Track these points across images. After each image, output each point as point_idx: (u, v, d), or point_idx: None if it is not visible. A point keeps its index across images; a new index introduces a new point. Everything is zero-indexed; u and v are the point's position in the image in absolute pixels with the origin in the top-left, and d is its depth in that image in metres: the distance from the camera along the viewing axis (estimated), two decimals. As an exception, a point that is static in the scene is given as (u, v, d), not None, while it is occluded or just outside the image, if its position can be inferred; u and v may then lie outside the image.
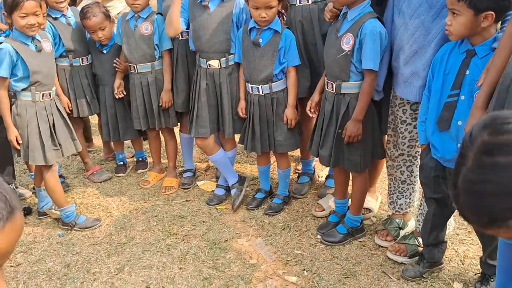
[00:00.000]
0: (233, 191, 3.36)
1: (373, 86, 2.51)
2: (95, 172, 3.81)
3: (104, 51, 3.53)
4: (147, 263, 2.76)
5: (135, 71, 3.37)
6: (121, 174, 3.88)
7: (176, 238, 3.00)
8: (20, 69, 2.83)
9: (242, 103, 3.08)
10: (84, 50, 3.52)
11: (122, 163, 3.97)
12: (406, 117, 2.53)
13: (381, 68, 2.50)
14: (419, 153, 2.61)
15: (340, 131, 2.60)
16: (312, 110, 2.81)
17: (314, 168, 3.60)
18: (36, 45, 2.90)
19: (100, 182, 3.76)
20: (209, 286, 2.55)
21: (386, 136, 2.75)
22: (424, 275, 2.48)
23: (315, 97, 2.81)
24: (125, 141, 4.01)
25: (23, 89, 2.89)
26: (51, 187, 3.06)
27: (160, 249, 2.89)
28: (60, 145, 3.03)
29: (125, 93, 3.54)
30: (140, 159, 4.01)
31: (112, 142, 4.01)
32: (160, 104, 3.38)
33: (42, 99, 2.95)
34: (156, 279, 2.63)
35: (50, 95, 3.00)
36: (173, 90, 3.38)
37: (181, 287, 2.56)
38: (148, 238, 3.01)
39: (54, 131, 3.02)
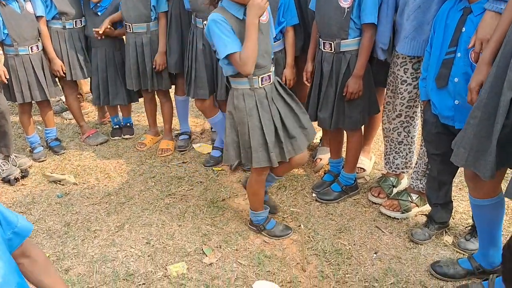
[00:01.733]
0: None
1: (372, 40, 2.53)
2: (90, 135, 3.83)
3: (99, 13, 3.50)
4: (147, 221, 2.82)
5: (130, 30, 3.37)
6: (117, 137, 3.90)
7: (174, 198, 3.05)
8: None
9: None
10: (77, 12, 3.49)
11: (117, 126, 3.98)
12: (407, 77, 2.54)
13: (385, 24, 2.50)
14: (417, 113, 2.66)
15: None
16: (309, 80, 2.83)
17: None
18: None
19: (96, 145, 3.78)
20: (208, 242, 2.62)
21: (383, 96, 2.77)
22: (432, 237, 2.54)
23: (309, 66, 2.82)
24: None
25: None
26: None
27: (159, 208, 2.95)
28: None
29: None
30: (128, 124, 4.02)
31: (106, 106, 4.02)
32: (153, 66, 3.39)
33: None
34: (156, 235, 2.69)
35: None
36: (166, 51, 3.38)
37: (181, 242, 2.62)
38: (147, 198, 3.06)
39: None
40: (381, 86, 2.81)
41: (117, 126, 3.98)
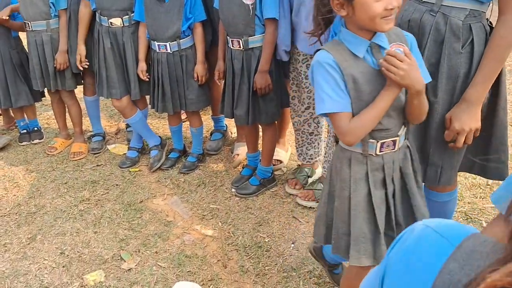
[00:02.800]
0: (153, 152, 3.33)
1: (275, 35, 2.57)
2: None
3: None
4: (60, 230, 2.70)
5: (29, 28, 3.18)
6: (25, 143, 3.69)
7: (88, 203, 2.95)
8: None
9: (142, 65, 3.02)
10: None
11: (25, 130, 3.76)
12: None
13: (284, 24, 2.56)
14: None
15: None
16: (222, 79, 2.84)
17: (226, 124, 3.66)
18: None
19: (0, 149, 3.53)
20: (126, 247, 2.56)
21: (289, 90, 2.84)
22: None
23: (221, 65, 2.83)
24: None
25: None
26: None
27: (73, 215, 2.83)
28: None
29: None
30: (35, 128, 3.79)
31: (10, 110, 3.77)
32: (54, 66, 3.23)
33: None
34: (70, 244, 2.59)
35: None
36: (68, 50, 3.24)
37: (97, 250, 2.54)
38: (59, 206, 2.93)
39: None
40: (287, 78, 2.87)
41: (25, 131, 3.76)
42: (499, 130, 1.82)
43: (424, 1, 1.75)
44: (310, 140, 2.87)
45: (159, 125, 3.92)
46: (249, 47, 2.62)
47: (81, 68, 3.18)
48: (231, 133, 3.70)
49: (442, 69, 1.72)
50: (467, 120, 1.68)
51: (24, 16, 3.15)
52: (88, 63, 3.17)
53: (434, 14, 1.72)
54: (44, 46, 3.20)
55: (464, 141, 1.72)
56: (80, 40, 3.13)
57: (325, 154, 2.80)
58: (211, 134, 3.61)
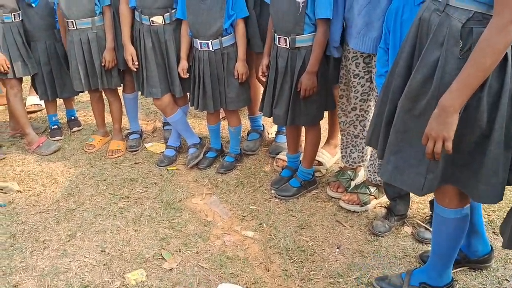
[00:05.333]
0: (191, 150, 3.30)
1: (326, 36, 2.50)
2: (41, 144, 3.53)
3: (33, 4, 3.27)
4: (100, 228, 2.68)
5: (73, 27, 3.16)
6: (57, 138, 3.70)
7: (128, 201, 2.92)
8: None
9: (184, 63, 2.98)
10: (13, 4, 3.25)
11: (56, 126, 3.78)
12: (359, 71, 2.54)
13: (336, 21, 2.48)
14: (370, 107, 2.67)
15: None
16: (265, 74, 2.78)
17: (263, 125, 3.61)
18: None
19: (50, 154, 3.50)
20: (166, 246, 2.52)
21: (338, 90, 2.76)
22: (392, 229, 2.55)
23: (265, 60, 2.77)
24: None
25: None
26: None
27: (113, 213, 2.81)
28: None
29: None
30: (73, 117, 3.89)
31: (44, 103, 3.82)
32: (102, 64, 3.21)
33: None
34: (111, 242, 2.56)
35: None
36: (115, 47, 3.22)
37: (138, 248, 2.51)
38: (99, 203, 2.91)
39: None
40: (336, 83, 2.79)
41: (56, 126, 3.77)
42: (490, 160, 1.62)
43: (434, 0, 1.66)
44: (355, 142, 2.79)
45: (195, 124, 3.88)
46: (296, 46, 2.55)
47: (134, 69, 3.11)
48: (268, 133, 3.64)
49: (438, 73, 1.59)
50: (436, 127, 1.55)
51: (67, 15, 3.13)
52: (138, 64, 3.10)
53: (440, 14, 1.61)
54: (90, 44, 3.18)
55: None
56: (126, 39, 3.06)
57: (371, 157, 2.71)
58: (248, 134, 3.56)
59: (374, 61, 2.42)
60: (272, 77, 2.70)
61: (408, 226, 2.59)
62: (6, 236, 2.64)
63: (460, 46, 1.55)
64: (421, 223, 2.57)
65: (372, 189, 2.72)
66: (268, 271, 2.33)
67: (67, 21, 3.16)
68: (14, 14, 3.25)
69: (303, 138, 3.01)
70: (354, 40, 2.44)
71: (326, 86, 2.69)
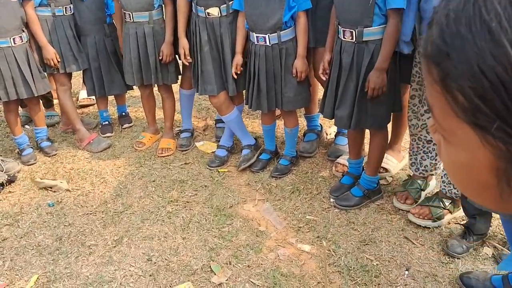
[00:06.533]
0: (245, 151, 3.11)
1: (399, 28, 2.21)
2: (92, 141, 3.45)
3: None
4: (148, 233, 2.54)
5: (130, 20, 3.02)
6: (108, 134, 3.60)
7: (177, 205, 2.76)
8: None
9: (239, 58, 2.77)
10: (65, -2, 3.16)
11: (107, 122, 3.68)
12: None
13: (408, 13, 2.19)
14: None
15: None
16: (327, 72, 2.51)
17: (321, 124, 3.35)
18: None
19: (100, 152, 3.41)
20: (216, 257, 2.34)
21: (409, 90, 2.47)
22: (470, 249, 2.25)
23: (327, 56, 2.50)
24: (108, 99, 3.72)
25: None
26: None
27: (161, 218, 2.66)
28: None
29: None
30: (123, 113, 3.80)
31: (95, 99, 3.73)
32: (160, 58, 3.06)
33: None
34: (158, 250, 2.41)
35: None
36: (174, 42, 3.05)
37: (186, 258, 2.34)
38: (147, 206, 2.77)
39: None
40: (404, 82, 2.49)
41: (107, 122, 3.67)
42: None
43: None
44: (427, 148, 2.48)
45: (248, 123, 3.68)
46: (363, 39, 2.27)
47: (186, 63, 2.97)
48: (327, 134, 3.37)
49: None
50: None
51: (124, 5, 3.00)
52: (191, 59, 2.94)
53: None
54: (146, 39, 3.03)
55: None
56: (181, 32, 2.90)
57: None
58: (304, 135, 3.31)
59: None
60: (335, 74, 2.44)
61: (488, 247, 2.27)
62: (53, 238, 2.55)
63: None
64: (502, 247, 2.24)
65: (447, 203, 2.41)
66: (327, 292, 2.09)
67: (124, 13, 3.03)
68: (65, 8, 3.16)
69: (366, 140, 2.73)
70: None
71: (395, 86, 2.40)
